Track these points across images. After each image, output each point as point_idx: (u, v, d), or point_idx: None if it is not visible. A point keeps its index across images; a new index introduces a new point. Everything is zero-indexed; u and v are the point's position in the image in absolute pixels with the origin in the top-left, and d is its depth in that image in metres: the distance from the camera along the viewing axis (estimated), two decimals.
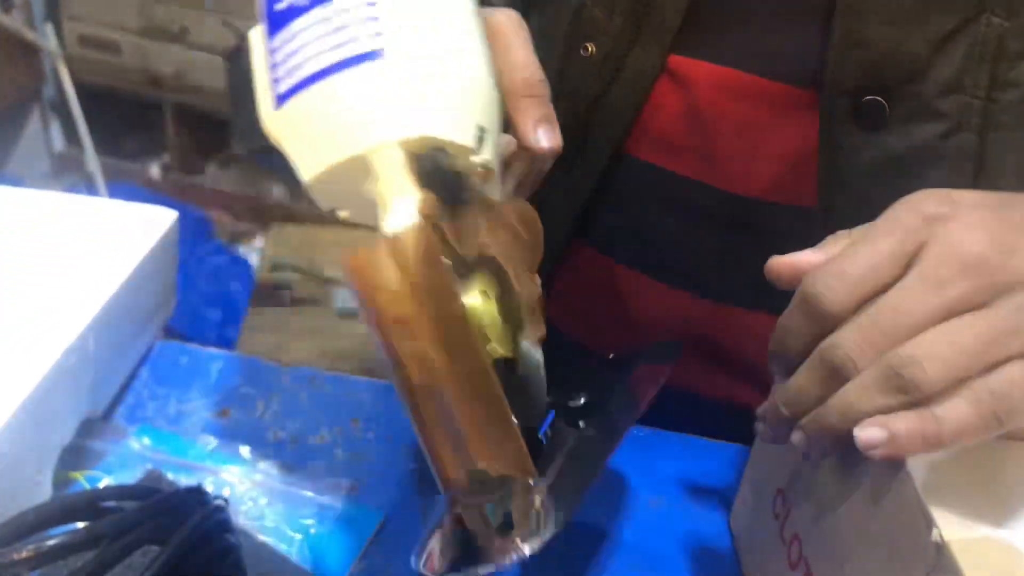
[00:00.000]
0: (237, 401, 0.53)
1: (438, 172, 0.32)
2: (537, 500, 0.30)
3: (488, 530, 0.30)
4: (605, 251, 0.56)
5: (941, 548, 0.28)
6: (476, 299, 0.33)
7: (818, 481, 0.37)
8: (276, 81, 0.33)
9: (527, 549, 0.30)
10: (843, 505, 0.35)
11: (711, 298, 0.53)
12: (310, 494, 0.45)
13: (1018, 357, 0.30)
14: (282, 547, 0.42)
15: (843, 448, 0.32)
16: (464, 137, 0.32)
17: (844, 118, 0.45)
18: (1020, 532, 0.29)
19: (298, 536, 0.43)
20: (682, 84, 0.49)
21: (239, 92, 0.35)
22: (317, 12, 0.32)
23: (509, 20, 0.40)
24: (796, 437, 0.33)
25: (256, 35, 0.35)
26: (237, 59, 0.35)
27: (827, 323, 0.32)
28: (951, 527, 0.29)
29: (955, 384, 0.30)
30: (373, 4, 0.32)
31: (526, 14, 0.43)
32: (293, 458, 0.49)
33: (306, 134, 0.32)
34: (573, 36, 0.50)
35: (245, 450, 0.48)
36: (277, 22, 0.33)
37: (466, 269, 0.33)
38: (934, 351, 0.30)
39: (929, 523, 0.29)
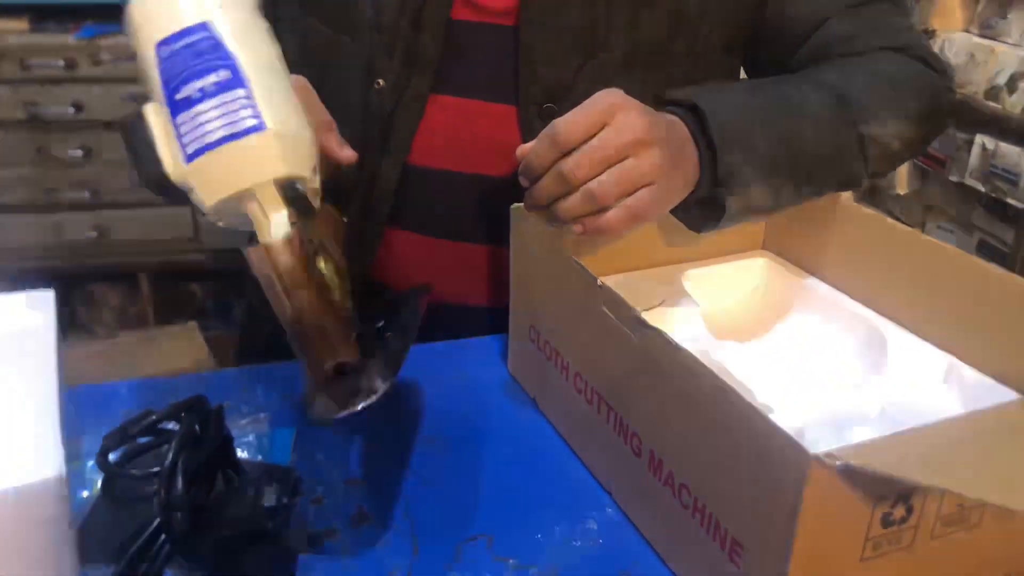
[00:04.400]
0: (151, 404, 0.72)
1: (296, 195, 0.52)
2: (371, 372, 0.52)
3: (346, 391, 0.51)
4: (408, 228, 0.82)
5: (603, 286, 0.59)
6: (324, 266, 0.55)
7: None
8: (185, 145, 0.49)
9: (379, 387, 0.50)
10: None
11: (469, 241, 0.82)
12: (245, 428, 0.67)
13: (648, 184, 0.60)
14: (244, 455, 0.63)
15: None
16: (307, 172, 0.52)
17: (535, 120, 0.77)
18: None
19: (246, 452, 0.65)
20: (443, 110, 0.77)
21: (139, 155, 0.51)
22: (213, 100, 0.50)
23: (304, 82, 0.65)
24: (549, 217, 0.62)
25: (151, 111, 0.51)
26: (136, 129, 0.51)
27: (560, 150, 0.59)
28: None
29: (618, 197, 0.59)
30: (249, 97, 0.50)
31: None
32: None
33: (211, 178, 0.50)
34: (368, 75, 0.76)
35: None
36: (180, 106, 0.50)
37: (316, 249, 0.54)
38: (611, 178, 0.59)
39: (592, 278, 0.59)
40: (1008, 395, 0.61)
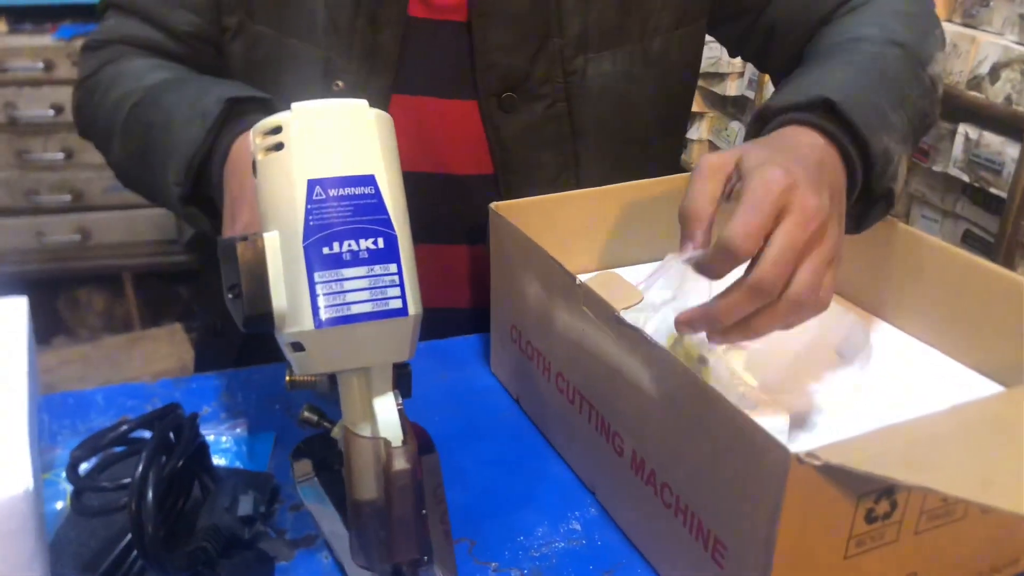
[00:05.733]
0: (128, 411, 0.71)
1: (403, 374, 0.51)
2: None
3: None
4: None
5: (582, 285, 0.58)
6: None
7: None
8: (319, 308, 0.45)
9: None
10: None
11: (443, 243, 0.81)
12: (223, 434, 0.66)
13: (831, 263, 0.52)
14: (222, 462, 0.62)
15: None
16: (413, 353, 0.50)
17: (495, 111, 0.77)
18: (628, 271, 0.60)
19: (224, 459, 0.64)
20: (405, 110, 0.76)
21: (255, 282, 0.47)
22: (363, 268, 0.46)
23: None
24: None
25: (272, 243, 0.47)
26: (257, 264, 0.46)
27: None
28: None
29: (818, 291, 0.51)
30: (399, 274, 0.47)
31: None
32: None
33: (334, 348, 0.47)
34: (326, 77, 0.74)
35: None
36: (324, 261, 0.46)
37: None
38: (809, 279, 0.50)
39: (571, 277, 0.59)
40: (991, 387, 0.61)
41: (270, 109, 0.65)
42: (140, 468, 0.45)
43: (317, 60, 0.75)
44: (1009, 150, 1.24)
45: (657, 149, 0.86)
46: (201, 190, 0.67)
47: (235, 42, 0.78)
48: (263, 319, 0.47)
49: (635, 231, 0.77)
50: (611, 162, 0.81)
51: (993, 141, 1.27)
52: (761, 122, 0.62)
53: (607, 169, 0.81)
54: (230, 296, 0.48)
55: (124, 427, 0.50)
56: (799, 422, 0.59)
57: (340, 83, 0.75)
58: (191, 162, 0.64)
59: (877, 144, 0.58)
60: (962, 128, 1.31)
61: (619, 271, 0.75)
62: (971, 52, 1.28)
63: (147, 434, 0.52)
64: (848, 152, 0.57)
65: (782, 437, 0.55)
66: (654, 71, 0.80)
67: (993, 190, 1.28)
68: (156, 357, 1.93)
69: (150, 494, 0.45)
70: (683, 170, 0.91)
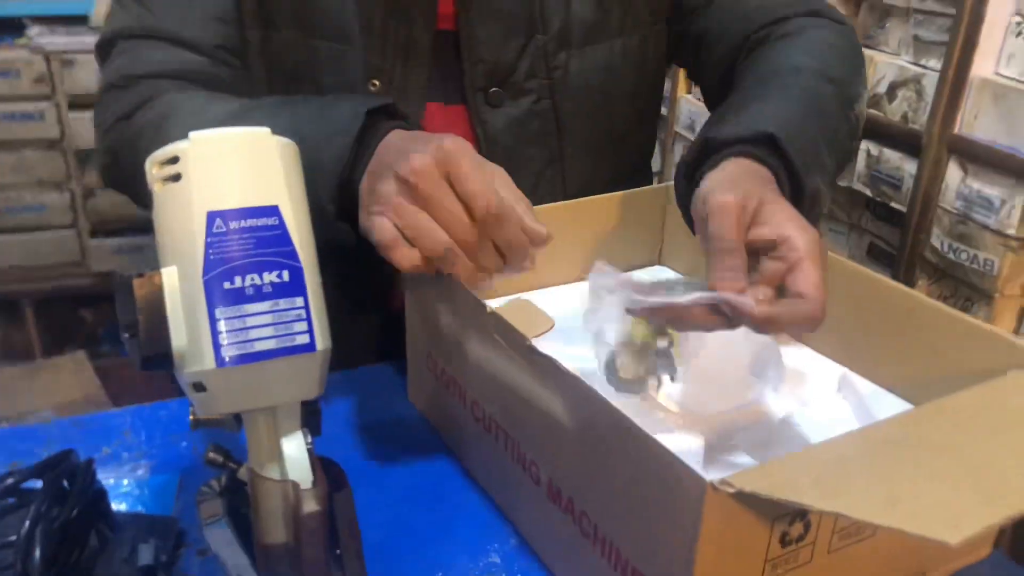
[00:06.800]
0: (21, 455, 0.67)
1: (311, 412, 0.49)
2: None
3: None
4: None
5: (493, 313, 0.57)
6: None
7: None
8: (220, 345, 0.44)
9: None
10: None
11: None
12: (124, 477, 0.62)
13: None
14: (123, 507, 0.59)
15: None
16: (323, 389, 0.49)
17: (483, 104, 0.78)
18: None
19: (125, 504, 0.60)
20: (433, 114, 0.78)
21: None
22: (267, 304, 0.44)
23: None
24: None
25: (171, 277, 0.45)
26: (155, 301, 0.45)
27: None
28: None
29: None
30: (306, 308, 0.45)
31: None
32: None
33: (238, 387, 0.45)
34: (364, 79, 0.75)
35: None
36: (226, 296, 0.44)
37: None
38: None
39: (482, 305, 0.58)
40: (898, 404, 0.63)
41: (398, 114, 0.63)
42: (27, 525, 0.42)
43: (352, 61, 0.75)
44: (907, 166, 1.29)
45: (634, 141, 0.90)
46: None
47: (261, 55, 0.77)
48: (162, 359, 0.45)
49: (554, 253, 0.77)
50: (594, 155, 0.84)
51: (892, 157, 1.32)
52: (704, 151, 0.62)
53: (590, 162, 0.84)
54: (127, 335, 0.45)
55: (11, 480, 0.46)
56: (715, 443, 0.59)
57: (377, 83, 0.76)
58: (341, 177, 0.60)
59: (811, 184, 0.60)
60: (864, 144, 1.36)
61: (535, 294, 0.75)
62: (870, 72, 1.33)
63: (39, 483, 0.49)
64: (784, 189, 0.59)
65: (698, 461, 0.56)
66: (632, 66, 0.83)
67: (894, 204, 1.32)
68: (59, 387, 1.84)
69: (37, 552, 0.42)
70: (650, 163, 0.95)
